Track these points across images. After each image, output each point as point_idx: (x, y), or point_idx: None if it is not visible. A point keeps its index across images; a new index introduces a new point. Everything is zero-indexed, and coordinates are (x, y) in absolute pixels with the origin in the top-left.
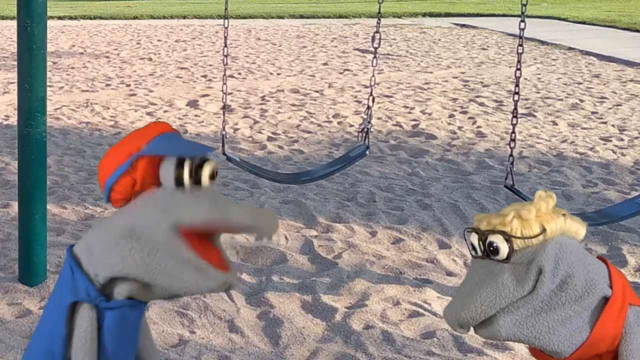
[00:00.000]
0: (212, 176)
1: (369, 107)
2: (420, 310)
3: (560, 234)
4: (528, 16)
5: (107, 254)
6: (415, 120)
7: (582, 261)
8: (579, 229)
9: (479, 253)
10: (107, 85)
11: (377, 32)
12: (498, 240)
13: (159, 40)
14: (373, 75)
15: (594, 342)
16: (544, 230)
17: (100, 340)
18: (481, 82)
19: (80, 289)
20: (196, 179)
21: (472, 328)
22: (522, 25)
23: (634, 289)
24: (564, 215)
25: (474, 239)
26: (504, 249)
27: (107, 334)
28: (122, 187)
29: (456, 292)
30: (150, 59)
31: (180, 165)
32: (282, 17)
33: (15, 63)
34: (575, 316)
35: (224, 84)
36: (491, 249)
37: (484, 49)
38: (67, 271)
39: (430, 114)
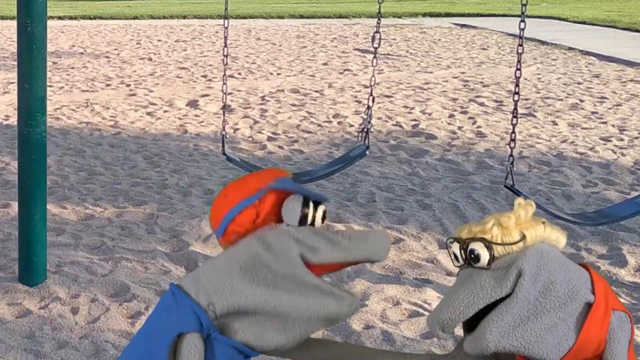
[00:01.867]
0: (323, 219)
1: (369, 107)
2: (420, 310)
3: (540, 241)
4: (528, 16)
5: (223, 285)
6: (415, 120)
7: (563, 268)
8: (558, 237)
9: (461, 262)
10: (107, 85)
11: (377, 32)
12: (479, 247)
13: (159, 40)
14: (373, 75)
15: (580, 348)
16: (523, 237)
17: None
18: (481, 82)
19: (189, 318)
20: (313, 218)
21: (462, 340)
22: (522, 25)
23: (634, 289)
24: (543, 223)
25: (456, 248)
26: (484, 255)
27: None
28: (244, 218)
29: (441, 299)
30: (150, 59)
31: (306, 204)
32: (282, 17)
33: (15, 63)
34: (560, 323)
35: (224, 84)
36: (472, 256)
37: (484, 49)
38: (168, 302)
39: (430, 114)
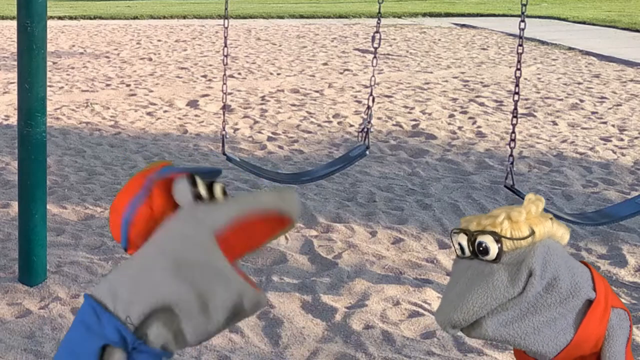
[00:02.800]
0: (224, 192)
1: (369, 107)
2: (420, 310)
3: (547, 237)
4: (528, 16)
5: (137, 289)
6: (415, 120)
7: (567, 264)
8: (564, 233)
9: (467, 253)
10: (107, 85)
11: (377, 32)
12: (488, 240)
13: (159, 40)
14: (373, 75)
15: (578, 343)
16: (532, 232)
17: None
18: (481, 82)
19: (110, 331)
20: (210, 195)
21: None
22: (522, 25)
23: (634, 289)
24: (551, 219)
25: (463, 239)
26: (493, 249)
27: None
28: (140, 218)
29: (445, 293)
30: (150, 59)
31: (193, 182)
32: (282, 17)
33: (15, 63)
34: (560, 318)
35: (224, 84)
36: (480, 249)
37: (484, 49)
38: (89, 315)
39: (430, 114)
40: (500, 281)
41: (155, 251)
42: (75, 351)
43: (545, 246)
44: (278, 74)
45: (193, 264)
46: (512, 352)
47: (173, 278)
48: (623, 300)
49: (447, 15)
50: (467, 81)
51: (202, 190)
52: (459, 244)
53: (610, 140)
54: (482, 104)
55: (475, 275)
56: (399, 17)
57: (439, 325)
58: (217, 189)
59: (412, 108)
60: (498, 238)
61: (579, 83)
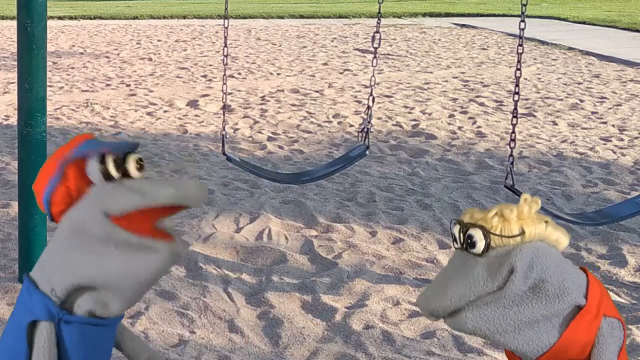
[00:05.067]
0: (140, 167)
1: (369, 107)
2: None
3: (539, 239)
4: (528, 16)
5: (57, 264)
6: (415, 120)
7: (558, 268)
8: (559, 238)
9: (459, 244)
10: (107, 85)
11: (377, 32)
12: (477, 234)
13: (159, 40)
14: (373, 75)
15: (562, 348)
16: (522, 232)
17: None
18: (481, 82)
19: (38, 307)
20: (124, 172)
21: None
22: (522, 25)
23: (634, 289)
24: (546, 222)
25: (456, 230)
26: (480, 243)
27: (70, 351)
28: (59, 197)
29: (434, 279)
30: (150, 59)
31: (103, 161)
32: (282, 17)
33: (15, 63)
34: (543, 320)
35: (224, 84)
36: (469, 241)
37: (484, 49)
38: (24, 293)
39: (430, 114)
40: (480, 274)
41: (67, 229)
42: (9, 329)
43: (533, 248)
44: (278, 74)
45: (99, 240)
46: None
47: (85, 255)
48: (623, 300)
49: (447, 15)
50: (467, 81)
51: (112, 169)
52: (453, 234)
53: (610, 140)
54: (482, 104)
55: (458, 266)
56: (399, 17)
57: (419, 308)
58: (131, 163)
59: (412, 108)
60: (487, 233)
61: (579, 83)
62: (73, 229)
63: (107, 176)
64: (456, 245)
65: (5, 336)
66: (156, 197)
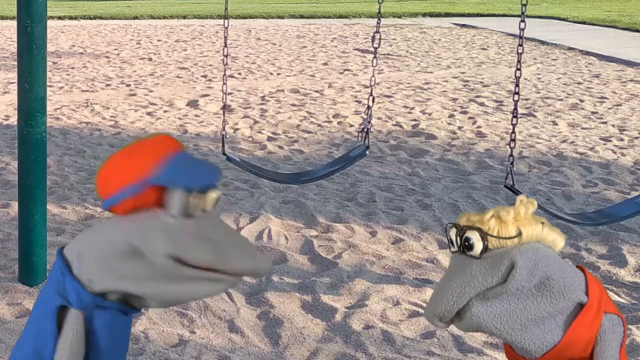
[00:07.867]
0: (215, 203)
1: (369, 107)
2: (420, 310)
3: (536, 240)
4: (528, 16)
5: (99, 264)
6: (415, 120)
7: (559, 266)
8: (556, 239)
9: (456, 248)
10: (107, 85)
11: (377, 32)
12: (474, 236)
13: (159, 40)
14: (373, 75)
15: (565, 346)
16: (519, 233)
17: (89, 345)
18: (481, 82)
19: (71, 294)
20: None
21: (451, 322)
22: (522, 25)
23: (634, 289)
24: (542, 223)
25: (453, 233)
26: (478, 245)
27: (100, 338)
28: (122, 209)
29: (435, 289)
30: (150, 59)
31: (187, 201)
32: (282, 17)
33: (15, 63)
34: (548, 318)
35: (224, 84)
36: (466, 244)
37: (484, 49)
38: (57, 273)
39: (430, 114)
40: (478, 270)
41: (122, 242)
42: (38, 306)
43: (533, 248)
44: (278, 74)
45: (158, 270)
46: None
47: (137, 273)
48: (623, 300)
49: (447, 15)
50: (467, 81)
51: (194, 207)
52: (450, 239)
53: (610, 140)
54: (482, 104)
55: (456, 268)
56: (399, 17)
57: (427, 320)
58: (209, 200)
59: (412, 108)
60: (484, 235)
61: (579, 83)
62: (130, 249)
63: (185, 214)
64: (453, 249)
65: (34, 315)
66: (230, 265)
